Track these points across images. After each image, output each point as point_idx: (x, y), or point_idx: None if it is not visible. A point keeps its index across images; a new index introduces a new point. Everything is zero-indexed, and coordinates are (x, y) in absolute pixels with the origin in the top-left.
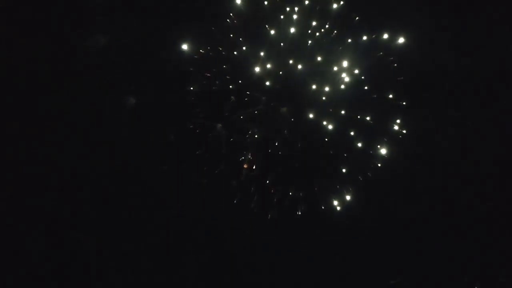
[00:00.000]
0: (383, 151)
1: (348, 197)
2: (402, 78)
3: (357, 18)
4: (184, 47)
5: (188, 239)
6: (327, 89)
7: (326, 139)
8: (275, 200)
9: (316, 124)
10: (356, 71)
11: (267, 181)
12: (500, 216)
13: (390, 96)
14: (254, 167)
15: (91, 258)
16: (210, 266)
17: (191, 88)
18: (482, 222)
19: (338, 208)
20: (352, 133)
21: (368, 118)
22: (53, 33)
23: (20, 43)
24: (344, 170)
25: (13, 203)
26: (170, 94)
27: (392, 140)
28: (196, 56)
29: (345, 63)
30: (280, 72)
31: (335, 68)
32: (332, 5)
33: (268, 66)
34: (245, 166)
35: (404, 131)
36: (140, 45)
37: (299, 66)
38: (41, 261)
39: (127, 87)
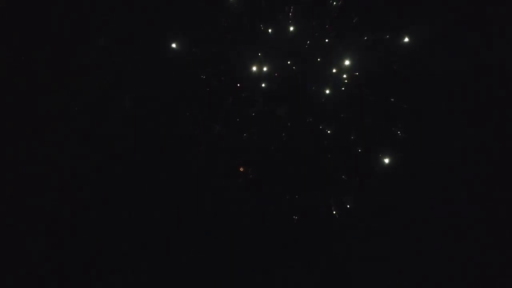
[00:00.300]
0: (384, 155)
1: (347, 202)
2: (403, 79)
3: (356, 19)
4: (181, 47)
5: (188, 239)
6: (327, 91)
7: (325, 142)
8: (273, 202)
9: (315, 127)
10: (356, 73)
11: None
12: (501, 217)
13: (392, 99)
14: (250, 170)
15: (91, 258)
16: (210, 266)
17: (187, 89)
18: (482, 222)
19: (337, 215)
20: (352, 137)
21: (368, 121)
22: (53, 33)
23: (20, 43)
24: (343, 174)
25: (13, 203)
26: (168, 95)
27: (394, 143)
28: (192, 57)
29: (344, 65)
30: (276, 74)
31: (334, 70)
32: (332, 4)
33: (266, 66)
34: (241, 169)
35: (406, 135)
36: (138, 45)
37: (298, 67)
38: (41, 261)
39: (126, 87)
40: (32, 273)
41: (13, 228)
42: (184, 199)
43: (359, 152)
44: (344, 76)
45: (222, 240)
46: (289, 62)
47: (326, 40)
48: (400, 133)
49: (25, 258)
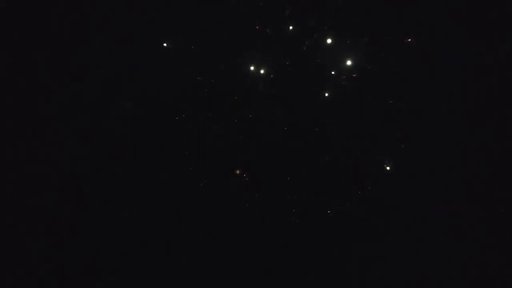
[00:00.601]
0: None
1: (347, 202)
2: (403, 79)
3: (354, 19)
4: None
5: (188, 239)
6: (326, 92)
7: (324, 145)
8: (273, 202)
9: (313, 128)
10: (354, 74)
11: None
12: (501, 217)
13: (391, 100)
14: (246, 172)
15: (91, 258)
16: (210, 266)
17: (187, 89)
18: (482, 222)
19: (337, 215)
20: (351, 137)
21: (368, 122)
22: (52, 33)
23: (20, 43)
24: (342, 175)
25: (13, 203)
26: (168, 95)
27: (393, 143)
28: (192, 57)
29: (344, 66)
30: (272, 76)
31: (333, 72)
32: (332, 4)
33: (265, 67)
34: (237, 171)
35: (406, 135)
36: (137, 45)
37: (297, 68)
38: (41, 261)
39: (126, 87)
40: (32, 273)
41: (13, 228)
42: (184, 199)
43: (359, 152)
44: (344, 77)
45: (222, 240)
46: (287, 63)
47: (329, 41)
48: (399, 133)
49: (25, 258)
